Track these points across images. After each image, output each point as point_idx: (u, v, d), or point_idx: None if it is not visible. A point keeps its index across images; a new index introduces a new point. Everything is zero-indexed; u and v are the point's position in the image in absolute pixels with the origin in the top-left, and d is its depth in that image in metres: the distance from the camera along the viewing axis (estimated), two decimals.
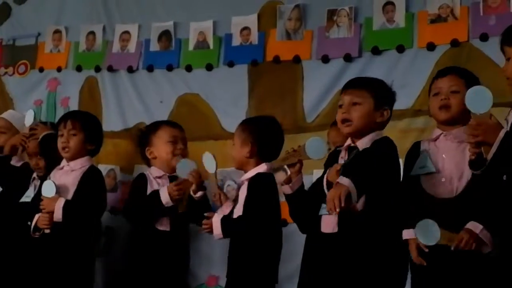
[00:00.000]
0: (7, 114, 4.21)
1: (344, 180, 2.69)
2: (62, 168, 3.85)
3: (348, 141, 3.03)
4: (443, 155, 2.95)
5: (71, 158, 3.83)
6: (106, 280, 4.10)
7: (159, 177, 3.74)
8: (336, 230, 2.96)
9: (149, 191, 3.68)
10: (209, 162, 3.47)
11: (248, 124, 3.39)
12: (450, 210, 2.83)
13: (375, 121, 2.99)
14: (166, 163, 3.74)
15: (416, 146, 3.10)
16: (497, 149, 2.58)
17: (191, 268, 3.94)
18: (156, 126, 3.86)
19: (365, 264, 2.88)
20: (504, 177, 2.61)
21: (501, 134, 2.59)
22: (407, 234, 2.90)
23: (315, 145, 3.07)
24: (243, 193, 3.28)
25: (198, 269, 4.06)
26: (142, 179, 3.76)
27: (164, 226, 3.64)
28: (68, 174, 3.81)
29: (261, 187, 3.25)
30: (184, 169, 3.52)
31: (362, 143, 2.95)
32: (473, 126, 2.65)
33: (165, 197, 3.58)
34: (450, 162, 2.92)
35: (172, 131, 3.80)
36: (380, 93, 3.01)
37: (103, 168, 4.27)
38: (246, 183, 3.29)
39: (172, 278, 3.63)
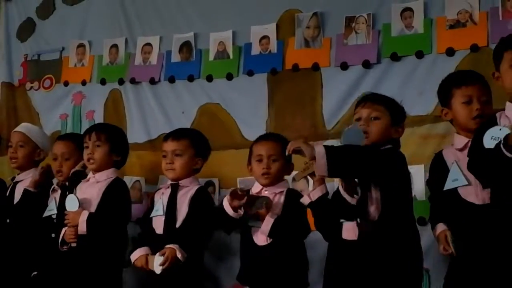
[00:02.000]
0: (24, 128, 4.21)
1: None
2: (88, 180, 3.83)
3: None
4: None
5: (96, 170, 3.81)
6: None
7: None
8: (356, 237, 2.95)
9: None
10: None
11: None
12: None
13: (392, 136, 3.02)
14: None
15: (439, 156, 3.10)
16: None
17: (216, 276, 3.94)
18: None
19: (384, 270, 2.86)
20: None
21: None
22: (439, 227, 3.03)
23: (351, 133, 3.01)
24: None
25: (223, 278, 4.03)
26: None
27: None
28: (93, 186, 3.79)
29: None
30: None
31: None
32: None
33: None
34: None
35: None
36: (396, 110, 3.05)
37: (128, 179, 4.27)
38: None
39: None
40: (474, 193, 2.94)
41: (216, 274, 4.02)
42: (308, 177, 3.21)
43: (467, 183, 2.94)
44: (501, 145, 2.50)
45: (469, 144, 2.92)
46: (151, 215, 3.67)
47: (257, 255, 3.32)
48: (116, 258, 3.76)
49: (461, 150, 3.03)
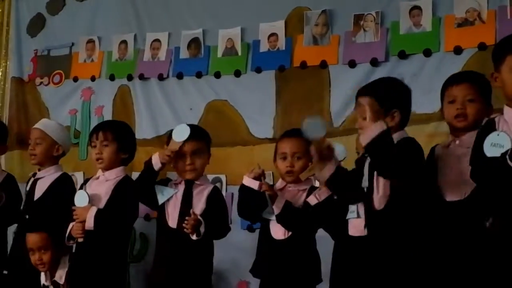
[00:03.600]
0: (41, 124, 4.19)
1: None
2: (98, 178, 3.82)
3: None
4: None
5: (105, 169, 3.79)
6: (141, 285, 4.07)
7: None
8: (364, 233, 2.94)
9: None
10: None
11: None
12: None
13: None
14: None
15: (431, 151, 3.07)
16: None
17: (221, 273, 3.94)
18: None
19: (393, 265, 2.83)
20: None
21: None
22: None
23: (312, 125, 2.99)
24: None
25: (229, 275, 4.05)
26: None
27: None
28: (102, 184, 3.77)
29: None
30: None
31: None
32: None
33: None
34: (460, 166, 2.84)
35: None
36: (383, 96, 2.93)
37: (137, 175, 4.19)
38: None
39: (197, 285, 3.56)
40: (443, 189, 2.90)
41: (221, 270, 4.02)
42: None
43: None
44: (507, 157, 2.48)
45: (452, 142, 2.93)
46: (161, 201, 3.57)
47: (273, 248, 3.30)
48: (121, 255, 3.74)
49: (446, 146, 2.99)
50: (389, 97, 2.95)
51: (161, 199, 3.59)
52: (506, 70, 2.65)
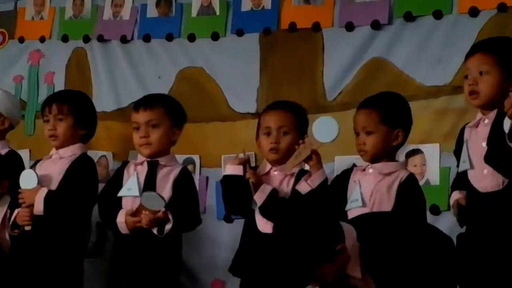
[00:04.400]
0: None
1: None
2: (50, 156, 3.83)
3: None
4: (483, 144, 2.94)
5: (60, 147, 3.80)
6: (97, 285, 4.07)
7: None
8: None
9: None
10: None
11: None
12: (497, 204, 2.88)
13: (392, 145, 3.15)
14: None
15: (461, 132, 3.16)
16: None
17: (192, 271, 3.98)
18: None
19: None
20: None
21: None
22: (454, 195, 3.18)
23: (324, 126, 3.12)
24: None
25: (202, 273, 4.08)
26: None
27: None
28: (55, 163, 3.79)
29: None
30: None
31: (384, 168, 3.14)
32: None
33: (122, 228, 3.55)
34: None
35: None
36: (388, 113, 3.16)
37: (93, 154, 4.24)
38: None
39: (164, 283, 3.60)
40: (476, 179, 3.00)
41: (193, 268, 4.06)
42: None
43: (468, 167, 3.01)
44: (506, 136, 2.58)
45: (481, 121, 2.99)
46: (121, 194, 3.63)
47: (259, 244, 3.29)
48: (76, 247, 3.76)
49: (475, 126, 3.05)
50: (394, 114, 3.14)
51: (123, 192, 3.62)
52: None
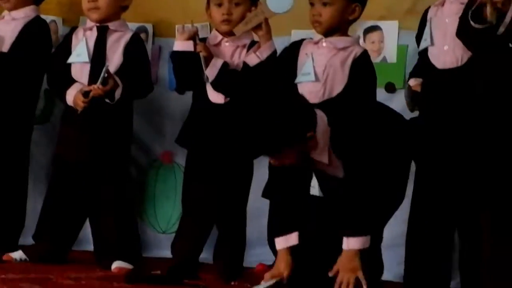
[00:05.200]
0: None
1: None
2: (3, 18, 3.75)
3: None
4: (446, 20, 2.95)
5: (13, 8, 3.72)
6: (45, 151, 4.02)
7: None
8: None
9: None
10: None
11: None
12: (453, 80, 2.91)
13: (348, 19, 3.09)
14: None
15: (425, 12, 3.14)
16: None
17: (142, 142, 3.98)
18: None
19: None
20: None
21: None
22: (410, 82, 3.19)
23: None
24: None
25: (152, 144, 4.06)
26: None
27: None
28: (7, 24, 3.72)
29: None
30: None
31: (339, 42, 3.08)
32: None
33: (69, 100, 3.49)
34: (454, 27, 2.89)
35: None
36: None
37: (49, 19, 4.10)
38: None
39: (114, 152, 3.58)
40: (435, 56, 3.01)
41: (143, 140, 4.03)
42: None
43: (430, 44, 3.02)
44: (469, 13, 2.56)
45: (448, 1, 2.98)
46: (70, 61, 3.57)
47: (209, 114, 3.31)
48: (27, 113, 3.76)
49: (441, 5, 3.04)
50: None
51: (73, 58, 3.55)
52: None
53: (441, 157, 2.94)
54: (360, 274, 2.68)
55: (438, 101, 2.97)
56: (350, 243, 2.70)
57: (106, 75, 3.36)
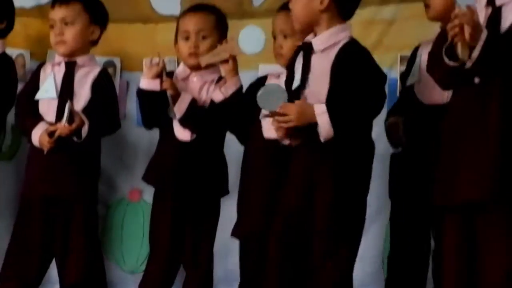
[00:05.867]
0: None
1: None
2: None
3: (309, 36, 2.92)
4: None
5: None
6: (11, 189, 3.95)
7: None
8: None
9: None
10: None
11: None
12: (439, 117, 2.86)
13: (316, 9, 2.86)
14: None
15: (415, 50, 3.21)
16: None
17: (109, 179, 3.93)
18: None
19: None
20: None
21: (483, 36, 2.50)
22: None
23: (250, 36, 3.06)
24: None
25: (120, 181, 4.02)
26: None
27: None
28: None
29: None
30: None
31: (321, 41, 2.85)
32: None
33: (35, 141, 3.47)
34: None
35: None
36: None
37: (10, 52, 4.01)
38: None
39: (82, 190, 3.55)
40: (422, 92, 3.06)
41: (111, 176, 3.99)
42: None
43: (417, 80, 3.08)
44: (443, 50, 2.53)
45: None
46: (38, 97, 3.56)
47: (176, 151, 3.31)
48: None
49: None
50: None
51: (40, 94, 3.53)
52: None
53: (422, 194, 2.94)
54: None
55: (424, 137, 2.99)
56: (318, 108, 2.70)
57: (69, 113, 3.33)
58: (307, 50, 2.86)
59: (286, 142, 2.87)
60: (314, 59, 2.85)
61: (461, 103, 2.64)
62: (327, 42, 2.83)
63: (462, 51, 2.47)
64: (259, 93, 2.78)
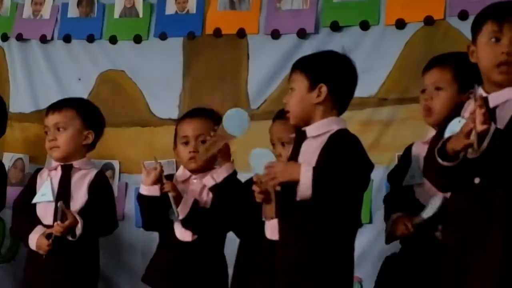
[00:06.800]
0: None
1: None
2: None
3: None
4: None
5: None
6: None
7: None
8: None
9: None
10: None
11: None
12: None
13: (312, 102, 2.89)
14: None
15: (408, 149, 3.16)
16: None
17: (109, 279, 3.91)
18: None
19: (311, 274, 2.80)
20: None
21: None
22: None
23: (235, 118, 3.04)
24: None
25: (119, 282, 4.01)
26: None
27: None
28: None
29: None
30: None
31: (315, 127, 2.88)
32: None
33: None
34: None
35: None
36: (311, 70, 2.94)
37: (9, 157, 4.21)
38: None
39: None
40: (424, 194, 2.98)
41: (111, 277, 3.96)
42: None
43: (420, 182, 2.98)
44: (436, 151, 2.49)
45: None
46: (35, 201, 3.55)
47: (177, 252, 3.28)
48: None
49: (427, 143, 2.95)
50: (316, 69, 2.92)
51: (38, 198, 3.53)
52: (483, 42, 2.55)
53: None
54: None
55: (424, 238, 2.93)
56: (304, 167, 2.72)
57: (62, 212, 3.34)
58: (300, 136, 2.90)
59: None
60: (305, 143, 2.88)
61: (462, 205, 2.57)
62: (320, 129, 2.86)
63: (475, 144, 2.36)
64: (250, 155, 2.84)
